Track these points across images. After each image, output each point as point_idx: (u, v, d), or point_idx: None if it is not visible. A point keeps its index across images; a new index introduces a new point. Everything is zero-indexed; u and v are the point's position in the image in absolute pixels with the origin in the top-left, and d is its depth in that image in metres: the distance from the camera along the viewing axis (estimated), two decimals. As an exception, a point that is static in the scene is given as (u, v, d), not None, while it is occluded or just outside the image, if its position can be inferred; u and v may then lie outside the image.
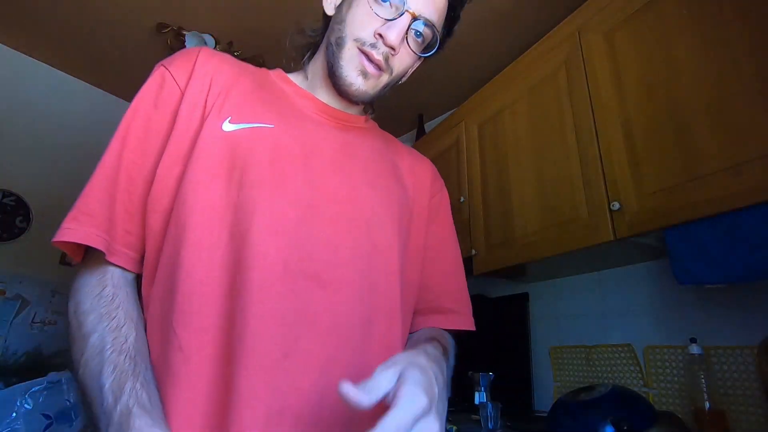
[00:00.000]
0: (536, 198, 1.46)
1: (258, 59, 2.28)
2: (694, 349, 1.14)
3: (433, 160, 2.25)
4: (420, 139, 2.28)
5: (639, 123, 1.15)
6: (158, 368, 0.47)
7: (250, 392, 0.44)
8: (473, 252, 1.68)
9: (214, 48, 2.12)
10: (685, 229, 1.03)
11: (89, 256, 0.54)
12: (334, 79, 0.62)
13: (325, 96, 0.66)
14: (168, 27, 2.08)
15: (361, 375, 0.38)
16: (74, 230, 0.50)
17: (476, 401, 1.64)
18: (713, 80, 1.01)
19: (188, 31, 2.07)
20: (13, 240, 2.20)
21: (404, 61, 0.63)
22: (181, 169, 0.52)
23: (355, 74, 0.60)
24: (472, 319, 0.70)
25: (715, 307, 1.23)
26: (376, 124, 0.76)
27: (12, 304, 2.15)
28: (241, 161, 0.52)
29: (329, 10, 0.66)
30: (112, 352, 0.45)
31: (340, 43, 0.60)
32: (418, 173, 0.73)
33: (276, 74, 0.68)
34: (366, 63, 0.60)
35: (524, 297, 1.84)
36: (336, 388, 0.34)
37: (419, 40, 0.63)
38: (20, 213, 2.24)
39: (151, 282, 0.52)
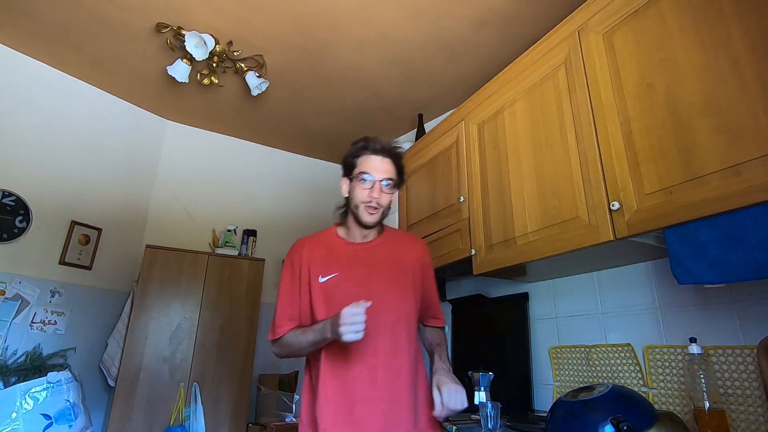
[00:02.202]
0: (536, 198, 1.46)
1: (257, 59, 2.28)
2: (694, 349, 1.14)
3: (433, 160, 2.25)
4: (420, 139, 2.28)
5: (639, 123, 1.16)
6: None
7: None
8: (473, 252, 1.69)
9: (214, 47, 2.13)
10: (685, 229, 1.03)
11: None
12: (359, 223, 1.24)
13: (357, 236, 1.28)
14: (168, 27, 2.08)
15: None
16: (281, 328, 1.22)
17: (476, 401, 1.64)
18: (713, 80, 1.01)
19: (188, 31, 2.07)
20: (13, 240, 2.20)
21: (385, 199, 1.22)
22: (309, 300, 1.22)
23: (367, 217, 1.21)
24: (444, 320, 1.41)
25: (715, 307, 1.23)
26: (387, 231, 1.34)
27: (12, 304, 2.15)
28: (330, 295, 1.19)
29: (345, 194, 1.27)
30: (303, 332, 1.18)
31: (357, 207, 1.22)
32: (412, 252, 1.32)
33: (333, 231, 1.31)
34: (370, 210, 1.21)
35: (524, 297, 1.84)
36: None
37: (387, 187, 1.23)
38: (20, 213, 2.24)
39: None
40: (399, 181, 1.27)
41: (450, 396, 1.08)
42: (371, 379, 1.12)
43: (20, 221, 2.23)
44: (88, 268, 2.47)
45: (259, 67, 2.33)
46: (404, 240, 1.36)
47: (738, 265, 0.94)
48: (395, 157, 1.26)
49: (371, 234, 1.28)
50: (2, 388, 1.83)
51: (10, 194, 2.23)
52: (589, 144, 1.29)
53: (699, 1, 1.06)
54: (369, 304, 1.03)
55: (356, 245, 1.26)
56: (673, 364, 1.30)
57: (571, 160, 1.34)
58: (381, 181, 1.21)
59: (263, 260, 2.78)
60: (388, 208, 1.26)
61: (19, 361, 2.04)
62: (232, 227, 2.92)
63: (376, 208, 1.20)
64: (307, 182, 3.50)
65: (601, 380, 1.49)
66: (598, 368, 1.51)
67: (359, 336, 1.01)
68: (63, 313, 2.33)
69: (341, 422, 1.10)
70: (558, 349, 1.67)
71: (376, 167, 1.21)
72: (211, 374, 2.40)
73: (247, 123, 3.04)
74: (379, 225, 1.29)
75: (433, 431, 1.19)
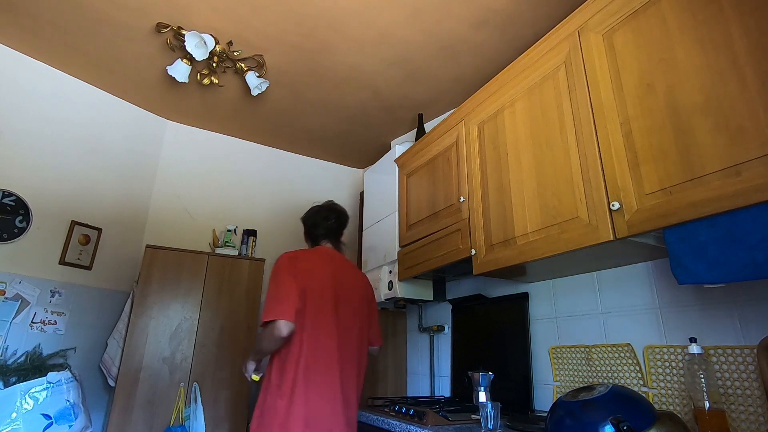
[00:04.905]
0: (536, 198, 1.46)
1: (257, 59, 2.28)
2: (694, 348, 1.14)
3: (433, 160, 2.25)
4: (420, 139, 2.28)
5: (639, 123, 1.16)
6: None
7: None
8: (473, 252, 1.69)
9: (214, 47, 2.13)
10: (685, 229, 1.03)
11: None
12: None
13: None
14: (168, 27, 2.08)
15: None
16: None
17: (476, 401, 1.64)
18: (713, 80, 1.01)
19: (188, 31, 2.07)
20: (13, 240, 2.20)
21: None
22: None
23: None
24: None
25: (715, 307, 1.23)
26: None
27: (12, 304, 2.15)
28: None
29: None
30: None
31: None
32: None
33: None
34: None
35: (524, 297, 1.84)
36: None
37: None
38: (20, 213, 2.24)
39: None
40: None
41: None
42: None
43: (20, 221, 2.23)
44: (88, 268, 2.47)
45: (259, 67, 2.33)
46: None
47: (738, 265, 0.94)
48: None
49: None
50: (2, 388, 1.83)
51: (10, 194, 2.23)
52: (589, 144, 1.29)
53: (699, 1, 1.06)
54: None
55: None
56: (673, 364, 1.30)
57: (571, 160, 1.34)
58: None
59: (263, 260, 2.78)
60: None
61: (19, 361, 2.04)
62: (232, 227, 2.92)
63: None
64: (307, 182, 3.49)
65: (601, 380, 1.49)
66: (598, 368, 1.51)
67: None
68: (63, 313, 2.33)
69: None
70: (558, 349, 1.67)
71: None
72: (211, 374, 2.40)
73: (247, 123, 3.04)
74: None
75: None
